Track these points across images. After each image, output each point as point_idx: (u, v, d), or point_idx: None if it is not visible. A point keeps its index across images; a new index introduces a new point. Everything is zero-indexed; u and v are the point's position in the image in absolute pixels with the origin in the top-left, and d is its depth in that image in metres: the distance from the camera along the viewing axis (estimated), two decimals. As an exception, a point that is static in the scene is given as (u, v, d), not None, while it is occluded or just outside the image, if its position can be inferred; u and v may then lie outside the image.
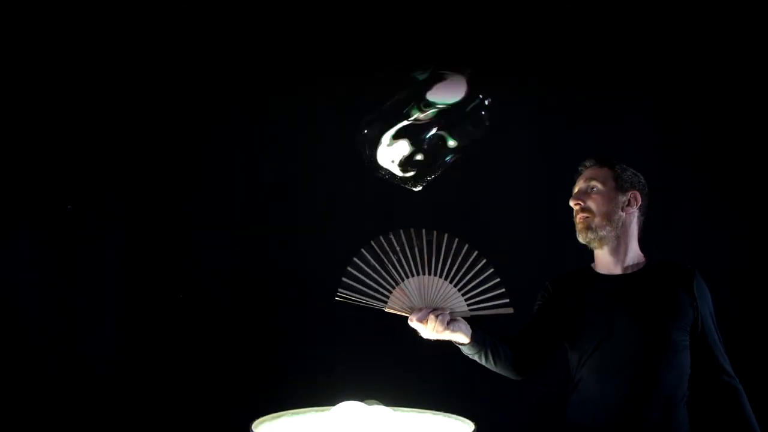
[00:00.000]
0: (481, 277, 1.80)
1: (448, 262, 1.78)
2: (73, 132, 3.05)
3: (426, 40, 3.10)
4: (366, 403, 2.08)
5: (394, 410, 2.13)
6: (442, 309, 1.82)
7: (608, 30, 3.02)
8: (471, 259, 1.79)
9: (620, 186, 2.01)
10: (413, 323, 1.84)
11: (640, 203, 2.03)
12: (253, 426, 1.99)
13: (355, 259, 1.81)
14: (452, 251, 1.78)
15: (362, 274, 1.81)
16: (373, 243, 1.81)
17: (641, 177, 2.07)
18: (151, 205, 3.14)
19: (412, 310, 1.83)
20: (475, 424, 1.99)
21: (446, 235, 1.78)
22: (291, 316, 3.08)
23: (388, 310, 1.85)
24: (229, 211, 3.17)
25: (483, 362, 1.98)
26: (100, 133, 3.08)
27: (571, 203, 2.06)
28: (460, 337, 1.88)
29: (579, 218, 2.03)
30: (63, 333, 2.98)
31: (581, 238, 2.03)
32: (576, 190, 2.07)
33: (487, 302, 1.80)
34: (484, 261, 1.80)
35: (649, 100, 3.07)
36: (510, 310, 1.81)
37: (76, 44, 3.02)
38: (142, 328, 3.08)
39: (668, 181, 3.01)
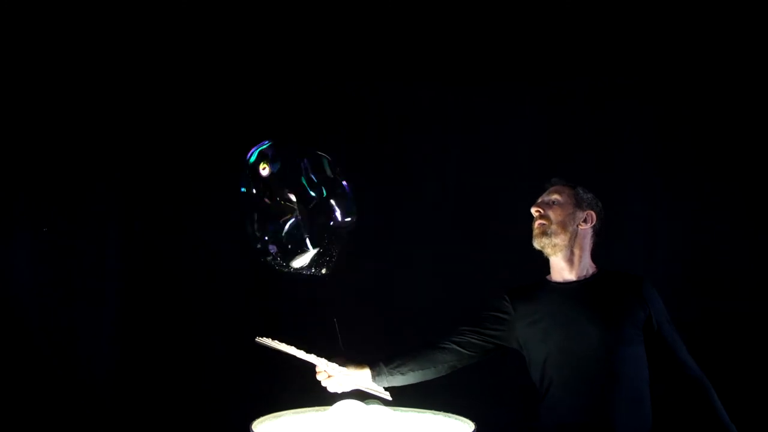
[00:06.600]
0: None
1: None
2: (73, 133, 3.04)
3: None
4: (365, 403, 2.08)
5: (394, 410, 2.13)
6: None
7: (606, 28, 3.02)
8: None
9: (579, 204, 2.18)
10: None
11: (594, 223, 2.19)
12: (253, 426, 1.99)
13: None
14: None
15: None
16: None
17: (599, 203, 2.23)
18: (150, 205, 3.14)
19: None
20: (475, 424, 1.99)
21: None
22: (291, 314, 3.07)
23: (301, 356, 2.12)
24: (229, 210, 3.17)
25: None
26: (99, 134, 3.08)
27: (532, 210, 2.21)
28: (365, 383, 2.16)
29: (537, 224, 2.18)
30: (63, 333, 2.97)
31: (536, 243, 2.17)
32: (539, 200, 2.23)
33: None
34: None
35: (649, 105, 3.08)
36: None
37: (77, 48, 3.02)
38: (142, 327, 3.07)
39: (668, 180, 3.03)
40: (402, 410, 2.17)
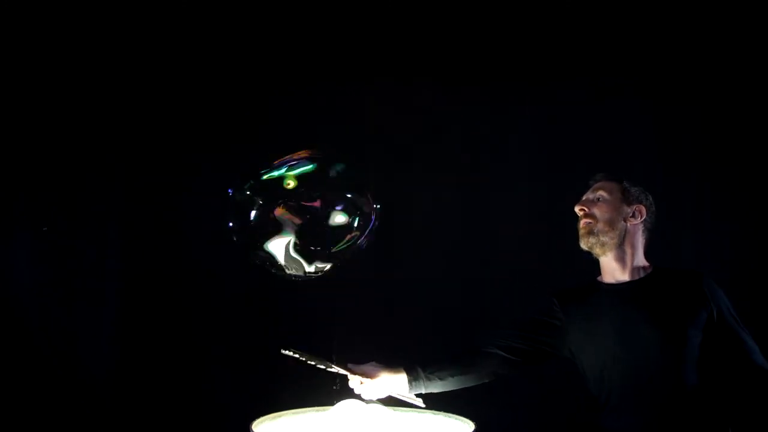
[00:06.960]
0: None
1: None
2: (73, 133, 3.04)
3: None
4: (366, 403, 2.07)
5: (394, 410, 2.13)
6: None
7: (606, 28, 3.03)
8: None
9: (626, 199, 2.07)
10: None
11: (644, 217, 2.07)
12: (253, 426, 1.98)
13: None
14: None
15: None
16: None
17: (649, 195, 2.12)
18: (150, 205, 3.13)
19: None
20: (475, 424, 1.98)
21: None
22: (290, 314, 3.07)
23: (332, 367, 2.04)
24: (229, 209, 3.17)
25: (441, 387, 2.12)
26: (99, 134, 3.08)
27: (576, 209, 2.10)
28: (400, 389, 2.07)
29: (582, 223, 2.07)
30: (63, 333, 2.97)
31: (583, 244, 2.06)
32: (583, 198, 2.12)
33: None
34: None
35: (649, 104, 3.08)
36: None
37: (77, 48, 3.02)
38: (142, 327, 3.07)
39: (669, 183, 3.03)
40: (402, 410, 2.16)
